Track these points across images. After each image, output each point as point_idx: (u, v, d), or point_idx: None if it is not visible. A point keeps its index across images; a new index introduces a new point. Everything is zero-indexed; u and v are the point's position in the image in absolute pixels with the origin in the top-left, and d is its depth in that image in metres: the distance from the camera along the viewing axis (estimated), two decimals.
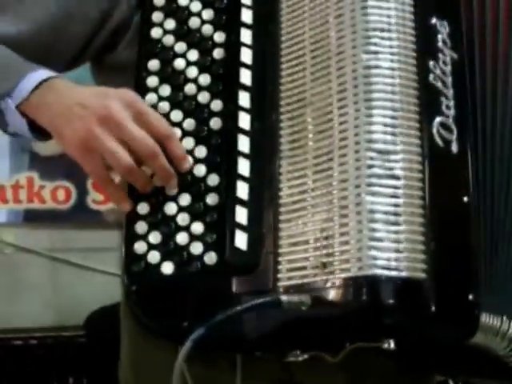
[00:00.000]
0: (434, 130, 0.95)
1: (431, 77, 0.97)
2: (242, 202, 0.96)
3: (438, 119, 0.96)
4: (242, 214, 0.95)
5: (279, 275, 0.93)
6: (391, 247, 0.89)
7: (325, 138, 0.94)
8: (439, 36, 0.99)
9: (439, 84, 0.97)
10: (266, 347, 0.96)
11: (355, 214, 0.91)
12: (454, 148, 0.96)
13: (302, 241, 0.93)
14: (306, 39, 0.99)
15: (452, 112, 0.97)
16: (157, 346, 0.99)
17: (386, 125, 0.93)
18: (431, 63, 0.97)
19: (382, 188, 0.91)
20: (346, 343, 0.93)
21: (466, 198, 0.95)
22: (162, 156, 0.92)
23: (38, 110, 0.96)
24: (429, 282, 0.90)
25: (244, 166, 0.97)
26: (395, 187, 0.92)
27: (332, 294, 0.90)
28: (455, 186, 0.96)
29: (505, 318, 0.95)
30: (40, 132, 0.98)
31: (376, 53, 0.96)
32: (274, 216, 0.95)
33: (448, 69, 0.99)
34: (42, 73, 0.97)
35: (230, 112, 0.98)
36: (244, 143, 0.97)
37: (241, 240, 0.94)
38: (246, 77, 1.00)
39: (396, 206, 0.91)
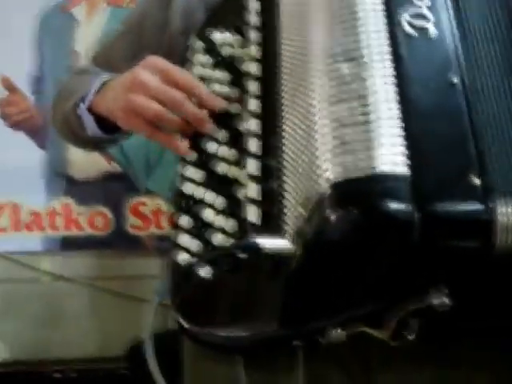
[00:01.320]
0: (405, 21, 0.89)
1: None
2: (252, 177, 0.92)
3: (409, 11, 0.90)
4: (253, 189, 0.91)
5: (286, 227, 0.84)
6: (363, 147, 0.80)
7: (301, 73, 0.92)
8: None
9: None
10: (296, 333, 0.88)
11: (320, 127, 0.84)
12: (431, 34, 0.89)
13: (298, 182, 0.86)
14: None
15: (427, 2, 0.91)
16: (211, 357, 0.98)
17: (345, 33, 0.89)
18: None
19: (346, 94, 0.84)
20: (387, 307, 0.83)
21: (455, 79, 0.86)
22: (189, 102, 0.99)
23: (98, 105, 1.11)
24: (415, 175, 0.78)
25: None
26: (362, 88, 0.84)
27: (316, 220, 0.80)
28: (438, 68, 0.87)
29: None
30: (108, 128, 1.12)
31: None
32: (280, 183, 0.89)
33: None
34: (107, 76, 1.13)
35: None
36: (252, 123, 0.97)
37: (253, 215, 0.89)
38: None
39: (365, 105, 0.83)
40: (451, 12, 0.92)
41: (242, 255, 0.83)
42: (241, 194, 0.93)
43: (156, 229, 2.49)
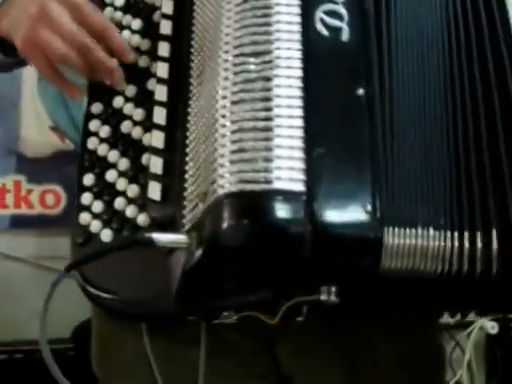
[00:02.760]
0: (317, 20, 0.84)
1: None
2: (157, 151, 0.92)
3: (322, 8, 0.85)
4: (157, 163, 0.91)
5: (184, 220, 0.85)
6: (260, 156, 0.78)
7: (210, 63, 0.87)
8: None
9: None
10: (192, 310, 0.90)
11: (221, 127, 0.81)
12: (345, 36, 0.84)
13: (198, 176, 0.85)
14: None
15: None
16: (117, 322, 1.00)
17: (257, 25, 0.84)
18: None
19: (249, 93, 0.81)
20: (277, 297, 0.85)
21: (360, 91, 0.83)
22: (98, 49, 0.94)
23: (0, 23, 1.01)
24: (312, 194, 0.78)
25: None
26: (266, 89, 0.81)
27: (209, 222, 0.80)
28: (345, 78, 0.84)
29: (413, 229, 0.80)
30: (9, 49, 1.02)
31: None
32: (182, 161, 0.89)
33: None
34: None
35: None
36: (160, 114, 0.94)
37: (155, 190, 0.90)
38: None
39: (266, 109, 0.80)
40: (370, 11, 0.87)
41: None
42: (144, 159, 0.93)
43: None
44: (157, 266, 0.87)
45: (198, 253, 0.80)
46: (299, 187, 0.78)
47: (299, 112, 0.81)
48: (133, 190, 0.93)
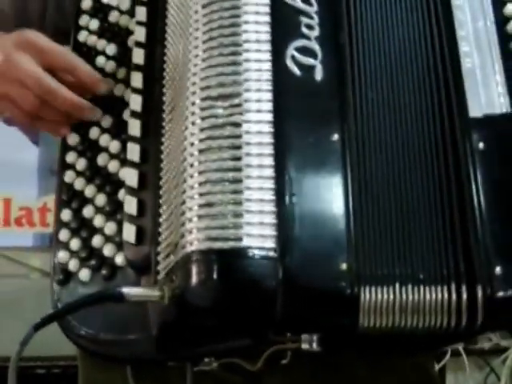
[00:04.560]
0: (288, 57, 0.79)
1: None
2: (132, 190, 0.89)
3: (294, 44, 0.80)
4: (131, 204, 0.88)
5: (158, 267, 0.82)
6: (229, 211, 0.74)
7: (180, 102, 0.84)
8: None
9: (296, 2, 0.82)
10: (173, 356, 0.87)
11: (190, 178, 0.77)
12: (318, 75, 0.80)
13: (169, 224, 0.82)
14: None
15: (315, 32, 0.81)
16: (102, 366, 0.98)
17: (225, 64, 0.79)
18: None
19: (217, 141, 0.77)
20: (257, 345, 0.82)
21: (335, 136, 0.78)
22: (65, 90, 0.91)
23: None
24: (281, 253, 0.73)
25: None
26: (236, 136, 0.77)
27: (179, 279, 0.76)
28: (319, 123, 0.79)
29: (390, 286, 0.76)
30: None
31: None
32: (156, 201, 0.85)
33: None
34: None
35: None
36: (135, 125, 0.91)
37: (130, 233, 0.87)
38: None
39: (235, 159, 0.76)
40: (345, 46, 0.82)
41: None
42: (121, 195, 0.91)
43: None
44: (138, 309, 0.84)
45: (170, 308, 0.78)
46: (270, 244, 0.75)
47: (270, 161, 0.76)
48: (110, 228, 0.90)
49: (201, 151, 0.78)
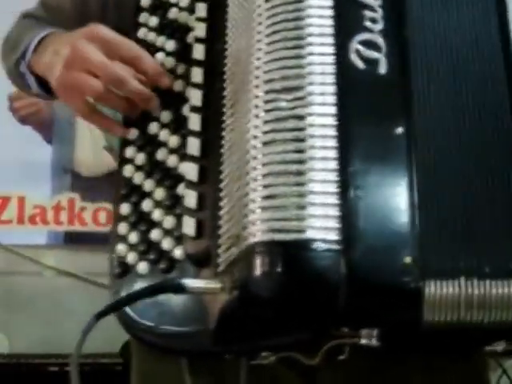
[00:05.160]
0: (352, 51, 0.79)
1: None
2: (191, 184, 0.89)
3: (357, 37, 0.79)
4: (191, 198, 0.88)
5: (218, 259, 0.82)
6: (292, 203, 0.74)
7: (242, 96, 0.83)
8: None
9: None
10: (231, 349, 0.86)
11: (252, 170, 0.77)
12: (382, 68, 0.79)
13: (231, 217, 0.82)
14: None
15: (380, 26, 0.80)
16: (157, 358, 0.98)
17: (290, 57, 0.79)
18: None
19: (281, 133, 0.76)
20: (316, 339, 0.80)
21: (399, 129, 0.77)
22: (131, 80, 0.92)
23: (37, 65, 1.04)
24: (344, 245, 0.73)
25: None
26: (298, 129, 0.76)
27: (241, 270, 0.77)
28: (383, 116, 0.78)
29: (455, 280, 0.74)
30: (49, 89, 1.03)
31: None
32: (216, 195, 0.85)
33: None
34: (45, 31, 1.05)
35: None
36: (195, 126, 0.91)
37: (189, 226, 0.87)
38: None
39: (299, 151, 0.75)
40: (410, 38, 0.81)
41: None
42: (180, 189, 0.91)
43: None
44: (195, 303, 0.84)
45: (232, 299, 0.78)
46: (333, 236, 0.73)
47: (334, 154, 0.76)
48: (169, 222, 0.90)
49: (264, 144, 0.77)
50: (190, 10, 0.98)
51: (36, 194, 2.47)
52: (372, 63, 0.79)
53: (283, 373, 0.94)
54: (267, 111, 0.79)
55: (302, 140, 0.76)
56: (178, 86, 0.95)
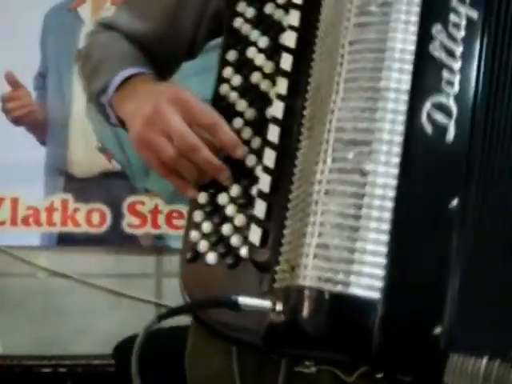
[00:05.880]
0: (424, 114, 0.79)
1: (432, 45, 0.80)
2: (262, 195, 0.92)
3: (431, 99, 0.80)
4: (260, 207, 0.92)
5: (276, 276, 0.87)
6: (342, 257, 0.79)
7: (317, 129, 0.86)
8: None
9: (442, 54, 0.80)
10: (274, 353, 0.92)
11: (312, 215, 0.81)
12: (450, 135, 0.79)
13: (290, 241, 0.87)
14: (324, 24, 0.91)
15: (455, 89, 0.80)
16: (207, 340, 1.02)
17: (362, 109, 0.80)
18: (436, 27, 0.80)
19: (342, 185, 0.80)
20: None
21: (454, 202, 0.79)
22: (203, 150, 0.93)
23: (118, 108, 1.06)
24: (384, 304, 0.78)
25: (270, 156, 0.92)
26: (360, 185, 0.79)
27: (289, 307, 0.83)
28: (442, 185, 0.79)
29: (479, 359, 0.78)
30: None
31: (365, 25, 0.83)
32: (283, 212, 0.89)
33: (460, 34, 0.81)
34: (129, 71, 1.06)
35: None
36: (274, 132, 0.93)
37: (255, 234, 0.91)
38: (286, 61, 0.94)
39: (357, 207, 0.79)
40: (482, 106, 0.80)
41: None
42: (254, 190, 0.94)
43: (153, 228, 2.46)
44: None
45: (279, 323, 0.84)
46: (375, 295, 0.78)
47: (388, 215, 0.78)
48: (240, 220, 0.93)
49: (326, 192, 0.81)
50: (286, 7, 0.97)
51: (29, 195, 2.45)
52: (440, 129, 0.79)
53: (320, 382, 0.96)
54: (334, 160, 0.81)
55: (361, 196, 0.79)
56: (264, 85, 0.96)
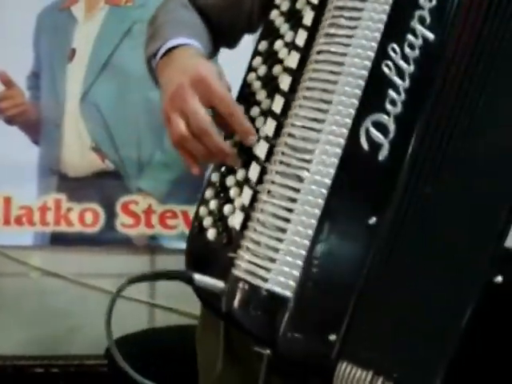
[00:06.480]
0: (363, 130, 0.82)
1: (385, 63, 0.82)
2: (249, 183, 0.96)
3: (372, 116, 0.82)
4: (246, 194, 0.95)
5: (238, 262, 0.92)
6: (266, 254, 0.87)
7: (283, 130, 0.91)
8: (417, 12, 0.82)
9: (392, 73, 0.82)
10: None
11: (256, 211, 0.89)
12: (382, 155, 0.82)
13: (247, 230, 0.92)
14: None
15: (397, 109, 0.82)
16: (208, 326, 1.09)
17: (311, 119, 0.85)
18: (392, 46, 0.82)
19: (281, 188, 0.87)
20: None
21: (373, 219, 0.82)
22: (213, 135, 0.97)
23: (159, 75, 1.09)
24: (292, 303, 0.85)
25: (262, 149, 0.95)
26: (295, 190, 0.85)
27: (227, 297, 0.90)
28: (364, 201, 0.83)
29: (364, 372, 0.81)
30: None
31: (331, 36, 0.86)
32: (253, 199, 0.94)
33: (413, 54, 0.82)
34: (177, 41, 1.08)
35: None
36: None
37: (237, 219, 0.95)
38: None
39: (289, 210, 0.86)
40: (419, 130, 0.82)
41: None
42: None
43: (146, 228, 2.45)
44: None
45: (223, 308, 0.92)
46: (287, 293, 0.86)
47: (313, 222, 0.85)
48: (239, 202, 0.97)
49: (268, 192, 0.89)
50: (310, 6, 0.97)
51: (22, 195, 2.44)
52: (375, 147, 0.82)
53: None
54: (280, 163, 0.87)
55: (293, 200, 0.85)
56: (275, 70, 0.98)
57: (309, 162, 0.84)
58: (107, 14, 2.49)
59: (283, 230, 0.86)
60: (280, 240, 0.86)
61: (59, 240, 2.47)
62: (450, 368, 0.79)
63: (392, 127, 0.82)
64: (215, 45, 1.20)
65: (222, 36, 1.20)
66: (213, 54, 1.20)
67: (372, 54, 0.83)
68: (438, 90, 0.82)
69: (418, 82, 0.82)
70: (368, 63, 0.83)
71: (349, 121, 0.83)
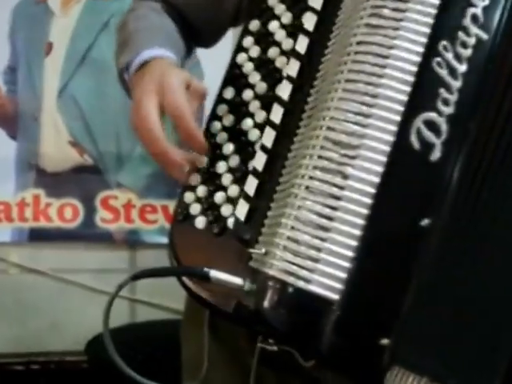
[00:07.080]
0: (414, 128, 0.78)
1: (436, 61, 0.79)
2: (255, 173, 0.93)
3: (424, 115, 0.78)
4: (251, 184, 0.92)
5: (252, 255, 0.88)
6: (309, 254, 0.80)
7: (313, 121, 0.86)
8: (470, 9, 0.80)
9: (443, 71, 0.79)
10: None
11: (290, 207, 0.83)
12: (435, 155, 0.78)
13: (270, 225, 0.88)
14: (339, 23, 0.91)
15: (450, 109, 0.78)
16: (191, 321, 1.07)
17: (356, 113, 0.80)
18: (443, 44, 0.79)
19: (322, 184, 0.80)
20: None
21: (425, 221, 0.78)
22: (190, 121, 0.92)
23: (133, 89, 1.03)
24: (339, 306, 0.79)
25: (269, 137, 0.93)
26: (339, 187, 0.80)
27: (256, 295, 0.85)
28: (416, 202, 0.79)
29: (418, 378, 0.78)
30: None
31: (374, 27, 0.81)
32: (272, 193, 0.89)
33: (466, 53, 0.79)
34: (150, 53, 1.03)
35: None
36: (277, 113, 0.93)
37: (242, 210, 0.92)
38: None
39: (332, 208, 0.80)
40: (472, 132, 0.79)
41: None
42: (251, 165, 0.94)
43: (126, 222, 2.43)
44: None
45: (245, 307, 0.86)
46: (332, 295, 0.79)
47: (360, 220, 0.79)
48: (233, 191, 0.94)
49: (306, 188, 0.81)
50: None
51: (0, 191, 2.43)
52: (427, 147, 0.78)
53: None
54: (319, 157, 0.81)
55: (337, 198, 0.79)
56: (279, 62, 0.96)
57: (354, 158, 0.79)
58: (84, 6, 2.46)
59: (327, 229, 0.79)
60: (323, 239, 0.80)
61: (38, 236, 2.44)
62: (510, 369, 0.78)
63: (444, 127, 0.79)
64: (190, 46, 1.16)
65: (198, 35, 1.16)
66: (187, 56, 1.16)
67: (421, 50, 0.79)
68: (492, 90, 0.79)
69: (471, 82, 0.79)
70: (417, 59, 0.79)
71: (397, 118, 0.79)
